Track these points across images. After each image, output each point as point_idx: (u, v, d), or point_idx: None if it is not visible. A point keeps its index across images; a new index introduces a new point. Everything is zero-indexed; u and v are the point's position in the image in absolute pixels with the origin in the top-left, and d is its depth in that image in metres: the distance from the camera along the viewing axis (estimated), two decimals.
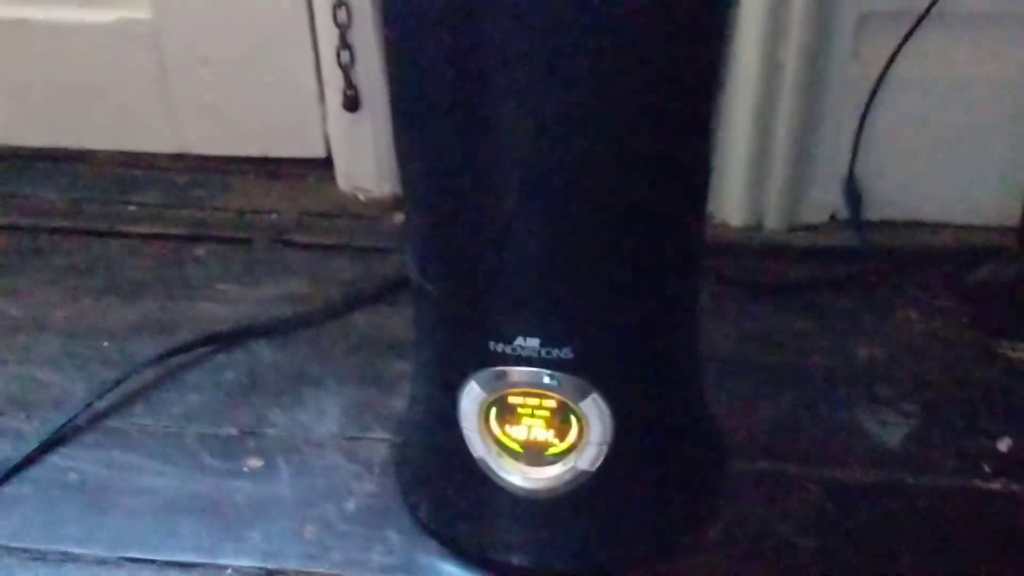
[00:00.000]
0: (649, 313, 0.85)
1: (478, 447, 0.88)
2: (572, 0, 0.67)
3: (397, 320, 1.12)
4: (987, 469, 0.98)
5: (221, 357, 1.10)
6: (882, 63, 1.13)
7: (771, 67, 1.13)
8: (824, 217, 1.23)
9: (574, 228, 0.78)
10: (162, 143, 1.33)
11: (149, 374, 1.08)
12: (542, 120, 0.72)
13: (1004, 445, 1.00)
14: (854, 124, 1.17)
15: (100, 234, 1.25)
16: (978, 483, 0.97)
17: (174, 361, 1.09)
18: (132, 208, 1.29)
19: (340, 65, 1.21)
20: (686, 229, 0.85)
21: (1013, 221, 1.08)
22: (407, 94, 0.78)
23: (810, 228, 1.23)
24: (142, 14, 1.26)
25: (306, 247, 1.23)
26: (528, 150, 0.74)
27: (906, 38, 1.11)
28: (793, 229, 1.23)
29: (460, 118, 0.74)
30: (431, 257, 0.85)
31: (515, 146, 0.74)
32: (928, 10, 1.09)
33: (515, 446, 0.87)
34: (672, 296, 0.87)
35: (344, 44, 1.20)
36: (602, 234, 0.79)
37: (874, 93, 1.15)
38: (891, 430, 1.01)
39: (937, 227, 1.21)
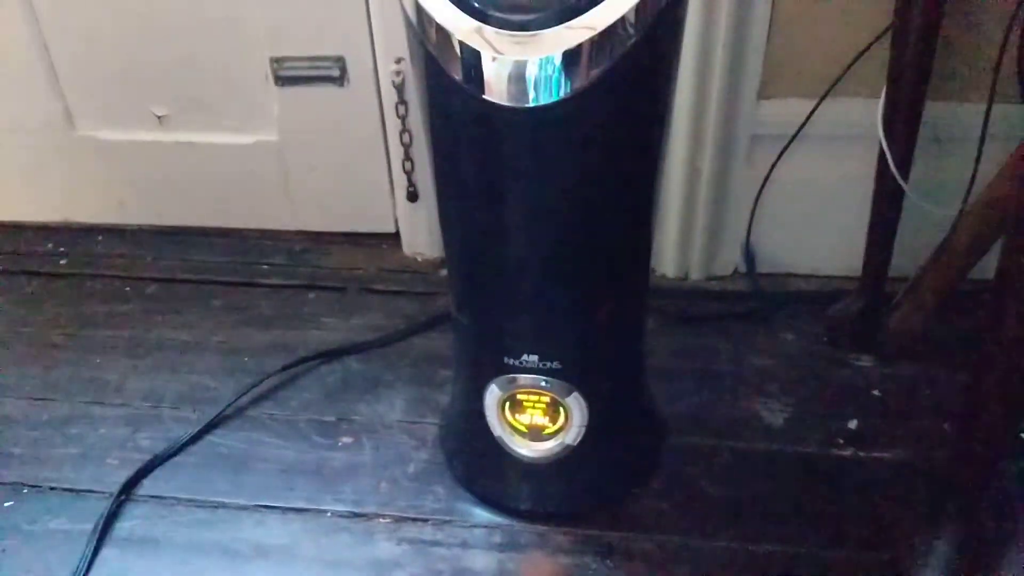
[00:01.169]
0: (612, 337, 0.85)
1: (496, 429, 0.87)
2: (557, 136, 0.67)
3: (442, 342, 1.12)
4: (841, 441, 0.97)
5: (324, 368, 1.10)
6: (767, 168, 1.13)
7: (692, 171, 1.12)
8: (730, 271, 1.22)
9: (562, 284, 0.78)
10: (285, 223, 1.33)
11: (276, 380, 1.07)
12: (538, 216, 0.72)
13: (853, 424, 0.99)
14: (749, 208, 1.16)
15: (243, 285, 1.25)
16: (835, 451, 0.96)
17: (293, 370, 1.08)
18: (265, 267, 1.28)
19: (404, 171, 1.21)
20: (636, 281, 0.85)
21: (856, 272, 1.08)
22: (447, 195, 0.78)
23: (721, 278, 1.21)
24: (272, 137, 1.26)
25: (382, 293, 1.22)
26: (529, 233, 0.74)
27: (783, 151, 1.11)
28: (709, 279, 1.21)
29: (483, 212, 0.74)
30: (464, 301, 0.84)
31: (520, 230, 0.74)
32: (796, 134, 1.09)
33: (522, 428, 0.87)
34: (628, 326, 0.87)
35: (407, 157, 1.20)
36: (580, 287, 0.79)
37: (762, 188, 1.14)
38: (775, 415, 1.01)
39: (806, 277, 1.20)
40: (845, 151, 1.10)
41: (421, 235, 1.26)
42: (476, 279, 0.81)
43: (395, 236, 1.30)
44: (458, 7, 0.63)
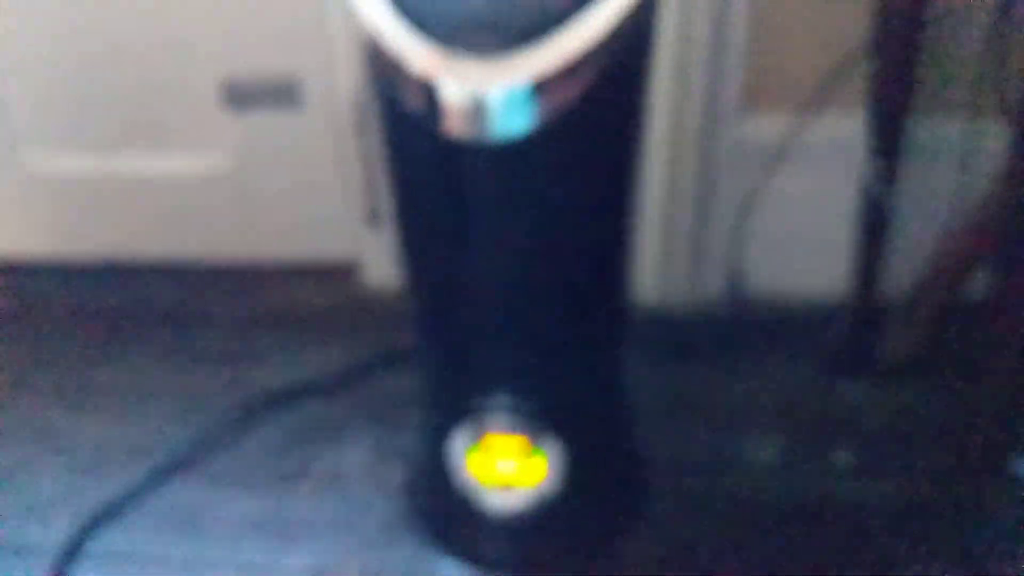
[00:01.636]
0: (590, 374, 0.84)
1: (466, 475, 0.85)
2: (525, 171, 0.65)
3: (409, 381, 1.09)
4: (831, 473, 0.96)
5: (282, 410, 1.07)
6: (751, 187, 1.11)
7: (673, 193, 1.11)
8: (714, 295, 1.20)
9: (534, 322, 0.77)
10: (240, 252, 1.31)
11: (229, 425, 1.05)
12: (506, 253, 0.71)
13: (847, 456, 0.98)
14: (733, 230, 1.14)
15: (194, 322, 1.22)
16: (829, 485, 0.95)
17: (248, 413, 1.06)
18: (216, 303, 1.26)
19: (366, 197, 1.20)
20: (615, 314, 0.83)
21: (846, 293, 1.07)
22: (407, 231, 0.77)
23: (705, 303, 1.19)
24: (227, 166, 1.24)
25: (344, 325, 1.20)
26: (497, 270, 0.72)
27: (766, 170, 1.09)
28: (693, 304, 1.19)
29: (446, 249, 0.73)
30: (428, 339, 0.83)
31: (487, 268, 0.72)
32: (779, 152, 1.08)
33: (493, 476, 0.84)
34: (608, 361, 0.85)
35: (369, 182, 1.18)
36: (554, 324, 0.77)
37: (746, 207, 1.12)
38: (764, 448, 0.99)
39: (794, 299, 1.17)
40: (832, 167, 1.09)
41: (384, 265, 1.24)
42: (440, 317, 0.80)
43: (356, 266, 1.28)
44: (413, 27, 0.61)
